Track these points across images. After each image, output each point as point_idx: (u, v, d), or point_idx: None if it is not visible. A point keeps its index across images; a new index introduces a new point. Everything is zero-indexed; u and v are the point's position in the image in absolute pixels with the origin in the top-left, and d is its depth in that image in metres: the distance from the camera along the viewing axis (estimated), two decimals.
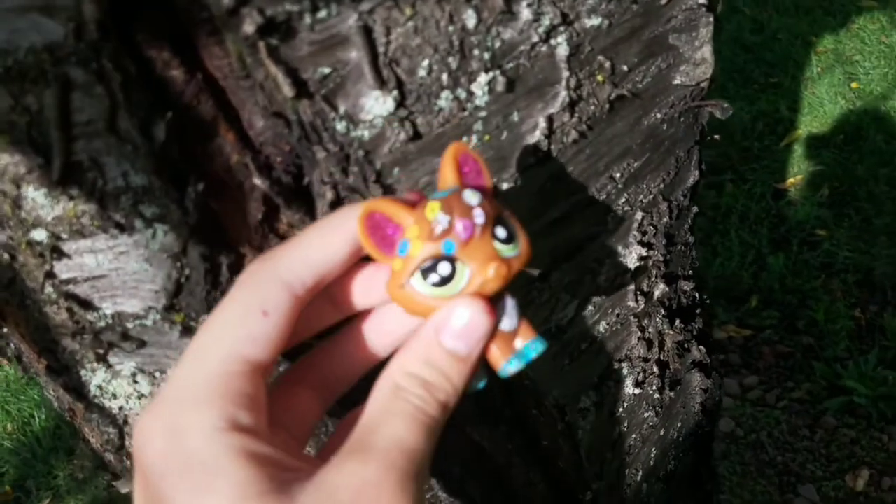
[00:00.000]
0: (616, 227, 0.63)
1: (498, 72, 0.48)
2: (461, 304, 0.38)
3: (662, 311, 0.72)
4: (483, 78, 0.47)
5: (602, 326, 0.67)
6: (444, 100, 0.47)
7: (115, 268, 0.46)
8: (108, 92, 0.40)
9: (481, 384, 0.42)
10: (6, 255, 0.46)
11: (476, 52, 0.46)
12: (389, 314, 0.42)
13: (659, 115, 0.61)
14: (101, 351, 0.49)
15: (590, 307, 0.65)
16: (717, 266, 2.74)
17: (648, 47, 0.56)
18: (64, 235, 0.44)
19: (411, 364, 0.39)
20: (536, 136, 0.52)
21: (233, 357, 0.36)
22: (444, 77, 0.46)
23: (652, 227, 0.66)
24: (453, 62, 0.46)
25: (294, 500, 0.33)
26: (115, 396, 0.52)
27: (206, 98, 0.43)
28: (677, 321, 0.75)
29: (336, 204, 0.46)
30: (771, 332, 2.57)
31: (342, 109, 0.44)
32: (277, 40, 0.41)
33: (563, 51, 0.50)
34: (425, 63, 0.45)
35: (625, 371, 0.71)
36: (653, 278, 0.69)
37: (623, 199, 0.62)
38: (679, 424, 0.84)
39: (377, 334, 0.43)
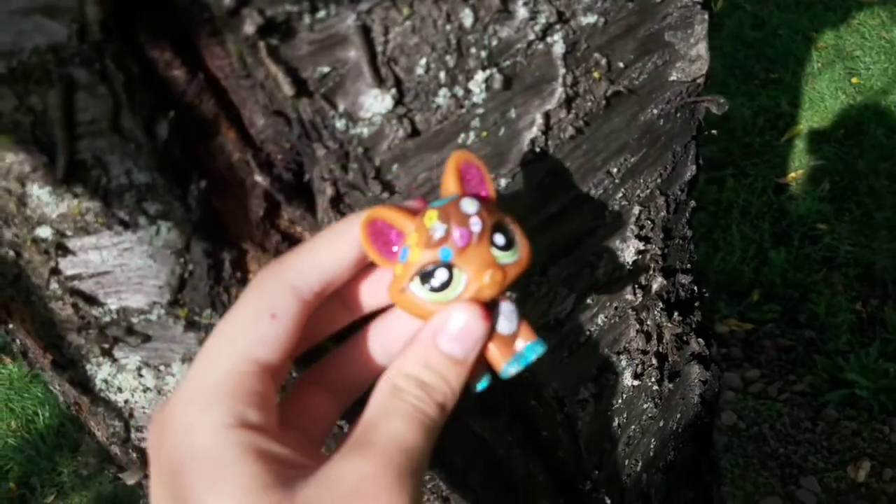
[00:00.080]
0: (614, 221, 0.63)
1: (495, 69, 0.49)
2: (457, 309, 0.39)
3: (661, 304, 0.73)
4: (480, 76, 0.48)
5: (600, 319, 0.67)
6: (442, 97, 0.47)
7: (119, 264, 0.47)
8: (112, 92, 0.41)
9: (484, 384, 0.42)
10: (12, 253, 0.47)
11: (473, 50, 0.47)
12: (398, 319, 0.44)
13: (655, 111, 0.61)
14: (106, 345, 0.50)
15: (588, 300, 0.65)
16: (719, 260, 2.74)
17: (644, 44, 0.57)
18: (69, 232, 0.45)
19: (410, 366, 0.40)
20: (533, 133, 0.53)
21: (242, 357, 0.38)
22: (442, 75, 0.47)
23: (649, 222, 0.66)
24: (451, 60, 0.46)
25: (296, 493, 0.34)
26: (120, 390, 0.53)
27: (207, 97, 0.44)
28: (675, 314, 0.75)
29: (336, 200, 0.47)
30: (773, 325, 2.58)
31: (341, 107, 0.45)
32: (277, 40, 0.41)
33: (559, 48, 0.51)
34: (423, 61, 0.46)
35: (623, 363, 0.72)
36: (651, 272, 0.70)
37: (620, 194, 0.63)
38: (678, 416, 0.85)
39: (387, 339, 0.45)
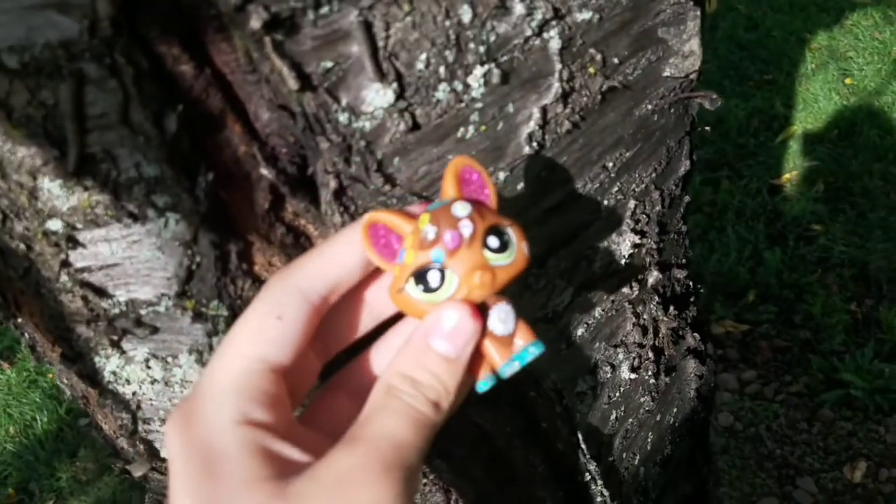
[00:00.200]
0: (610, 215, 0.65)
1: (493, 64, 0.50)
2: (449, 309, 0.41)
3: (656, 298, 0.74)
4: (479, 70, 0.49)
5: (598, 312, 0.69)
6: (442, 92, 0.48)
7: (128, 256, 0.48)
8: (121, 86, 0.42)
9: (487, 384, 0.43)
10: (23, 246, 0.48)
11: (472, 45, 0.48)
12: (412, 325, 0.45)
13: (650, 106, 0.62)
14: (115, 337, 0.51)
15: (586, 293, 0.66)
16: (715, 262, 2.75)
17: (638, 40, 0.58)
18: (79, 225, 0.46)
19: (404, 365, 0.41)
20: (531, 127, 0.54)
21: (250, 357, 0.40)
22: (442, 70, 0.48)
23: (645, 216, 0.67)
24: (450, 55, 0.48)
25: (289, 486, 0.36)
26: (128, 382, 0.54)
27: (214, 92, 0.45)
28: (671, 308, 0.77)
29: (339, 193, 0.48)
30: (768, 326, 2.59)
31: (344, 101, 0.46)
32: (282, 35, 0.43)
33: (555, 44, 0.52)
34: (423, 56, 0.47)
35: (621, 356, 0.73)
36: (647, 266, 0.71)
37: (616, 188, 0.64)
38: (675, 410, 0.86)
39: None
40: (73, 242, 0.47)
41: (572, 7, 0.52)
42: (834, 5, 4.03)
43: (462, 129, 0.51)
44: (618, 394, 0.75)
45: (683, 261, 0.78)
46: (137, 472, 0.60)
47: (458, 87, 0.49)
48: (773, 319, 2.60)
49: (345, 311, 0.45)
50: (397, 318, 0.46)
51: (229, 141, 0.47)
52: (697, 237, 2.85)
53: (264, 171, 0.47)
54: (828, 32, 3.86)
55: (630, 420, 0.79)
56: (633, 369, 0.75)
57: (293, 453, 0.38)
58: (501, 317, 0.42)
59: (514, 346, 0.42)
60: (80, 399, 0.59)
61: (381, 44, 0.45)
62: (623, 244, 0.67)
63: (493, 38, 0.49)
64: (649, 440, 0.83)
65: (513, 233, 0.42)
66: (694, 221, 2.86)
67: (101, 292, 0.49)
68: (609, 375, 0.73)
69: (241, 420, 0.38)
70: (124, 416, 0.56)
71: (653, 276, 0.73)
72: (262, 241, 0.49)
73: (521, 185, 0.55)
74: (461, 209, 0.41)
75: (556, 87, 0.54)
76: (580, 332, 0.68)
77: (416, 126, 0.48)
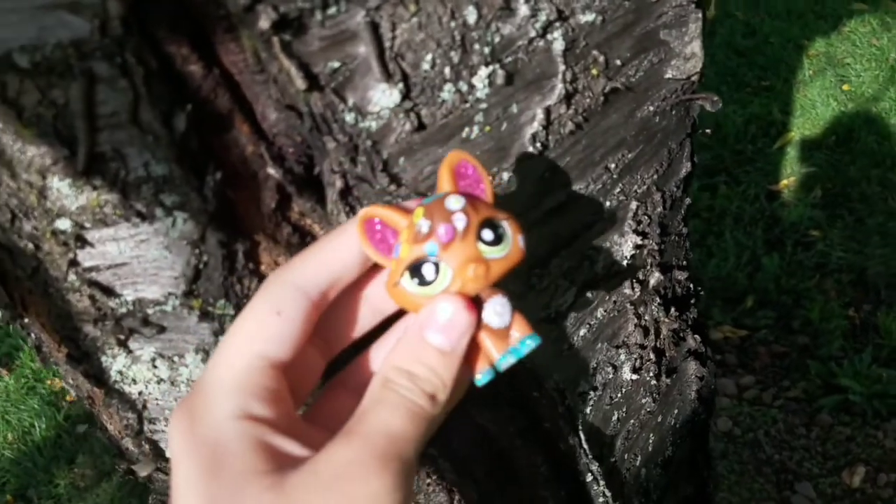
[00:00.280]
0: (612, 216, 0.65)
1: (497, 65, 0.50)
2: (443, 301, 0.41)
3: (658, 300, 0.74)
4: (483, 71, 0.50)
5: (600, 313, 0.69)
6: (447, 92, 0.49)
7: (136, 255, 0.48)
8: (132, 85, 0.42)
9: (486, 378, 0.43)
10: (31, 245, 0.48)
11: (476, 46, 0.49)
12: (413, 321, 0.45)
13: (651, 108, 0.63)
14: (122, 337, 0.52)
15: (588, 294, 0.67)
16: (713, 267, 2.76)
17: (640, 42, 0.59)
18: (87, 224, 0.47)
19: (400, 359, 0.41)
20: (535, 128, 0.54)
21: (250, 353, 0.40)
22: (447, 70, 0.48)
23: (646, 217, 0.68)
24: (455, 56, 0.48)
25: (286, 479, 0.37)
26: (134, 381, 0.54)
27: (222, 92, 0.46)
28: (672, 309, 0.77)
29: (345, 192, 0.49)
30: (766, 332, 2.59)
31: (351, 101, 0.46)
32: (290, 36, 0.43)
33: (559, 45, 0.53)
34: (429, 57, 0.47)
35: (622, 357, 0.74)
36: (648, 267, 0.72)
37: (618, 189, 0.64)
38: (676, 411, 0.86)
39: None
40: (82, 242, 0.47)
41: (576, 9, 0.53)
42: (831, 12, 4.04)
43: (467, 130, 0.51)
44: (619, 395, 0.76)
45: (684, 263, 0.79)
46: (142, 472, 0.61)
47: (463, 87, 0.49)
48: (772, 325, 2.60)
49: (345, 307, 0.46)
50: (400, 315, 0.46)
51: (237, 141, 0.47)
52: (695, 242, 2.86)
53: (271, 171, 0.48)
54: (825, 39, 3.87)
55: (631, 421, 0.79)
56: (634, 370, 0.75)
57: (294, 448, 0.39)
58: (497, 310, 0.42)
59: (510, 339, 0.42)
60: (86, 399, 0.59)
61: (387, 44, 0.46)
62: (625, 245, 0.68)
63: (497, 39, 0.49)
64: (650, 441, 0.84)
65: (508, 226, 0.42)
66: (692, 227, 2.87)
67: (109, 291, 0.50)
68: (611, 376, 0.73)
69: (241, 415, 0.38)
70: (130, 415, 0.56)
71: (654, 278, 0.73)
72: (268, 241, 0.50)
73: (524, 185, 0.56)
74: (455, 202, 0.41)
75: (559, 88, 0.54)
76: (582, 332, 0.68)
77: (421, 126, 0.49)
